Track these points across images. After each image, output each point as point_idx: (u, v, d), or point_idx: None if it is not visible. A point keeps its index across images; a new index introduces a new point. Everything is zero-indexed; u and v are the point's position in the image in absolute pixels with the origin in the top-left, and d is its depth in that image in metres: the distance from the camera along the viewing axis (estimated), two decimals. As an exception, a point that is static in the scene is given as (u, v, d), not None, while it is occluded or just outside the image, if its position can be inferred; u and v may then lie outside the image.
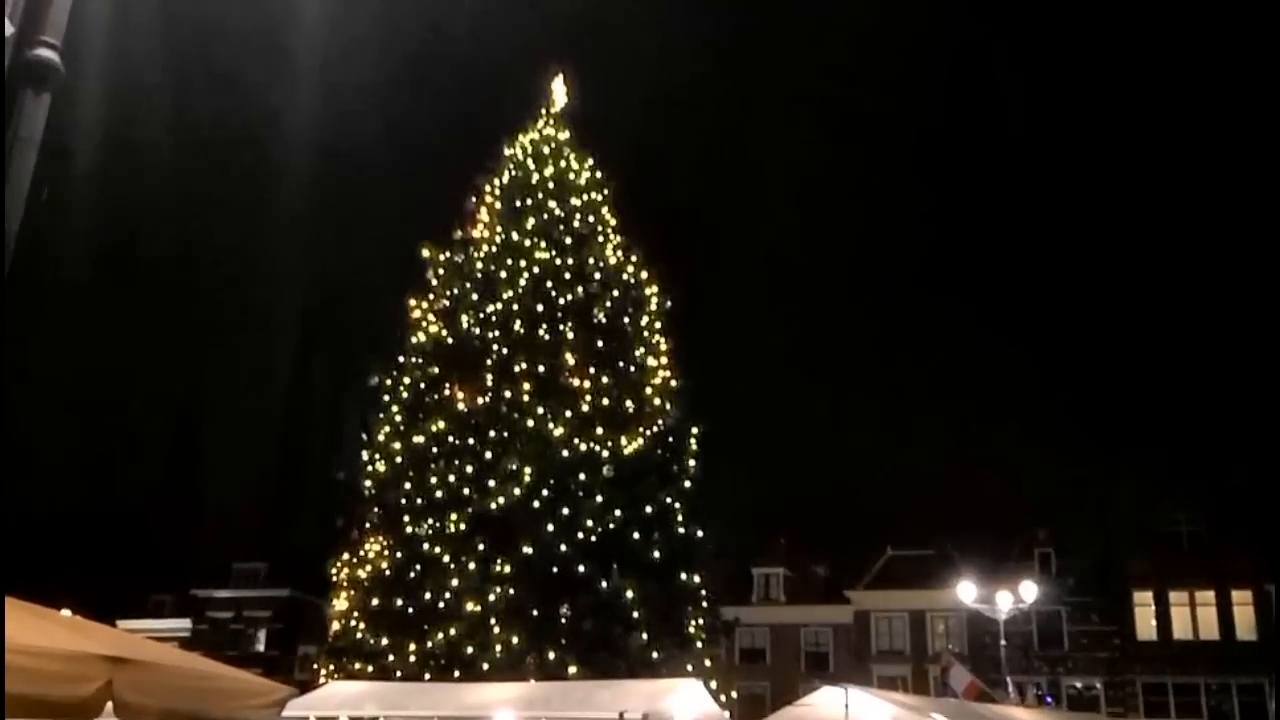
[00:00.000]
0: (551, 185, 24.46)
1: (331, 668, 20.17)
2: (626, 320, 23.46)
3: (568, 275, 23.19)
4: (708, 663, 20.83)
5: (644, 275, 24.35)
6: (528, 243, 23.48)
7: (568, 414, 21.51)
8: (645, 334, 23.66)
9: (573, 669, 18.58)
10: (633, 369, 22.98)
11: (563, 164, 24.97)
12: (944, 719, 11.53)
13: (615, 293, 23.57)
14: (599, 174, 25.32)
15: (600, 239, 24.25)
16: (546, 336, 22.29)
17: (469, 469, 21.13)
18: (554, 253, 23.41)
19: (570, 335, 22.30)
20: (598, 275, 23.54)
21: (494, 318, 22.75)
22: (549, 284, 22.98)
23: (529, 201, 24.15)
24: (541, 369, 21.91)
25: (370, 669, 19.37)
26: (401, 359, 23.25)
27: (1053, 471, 70.71)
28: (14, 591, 7.99)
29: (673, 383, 23.55)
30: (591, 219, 24.48)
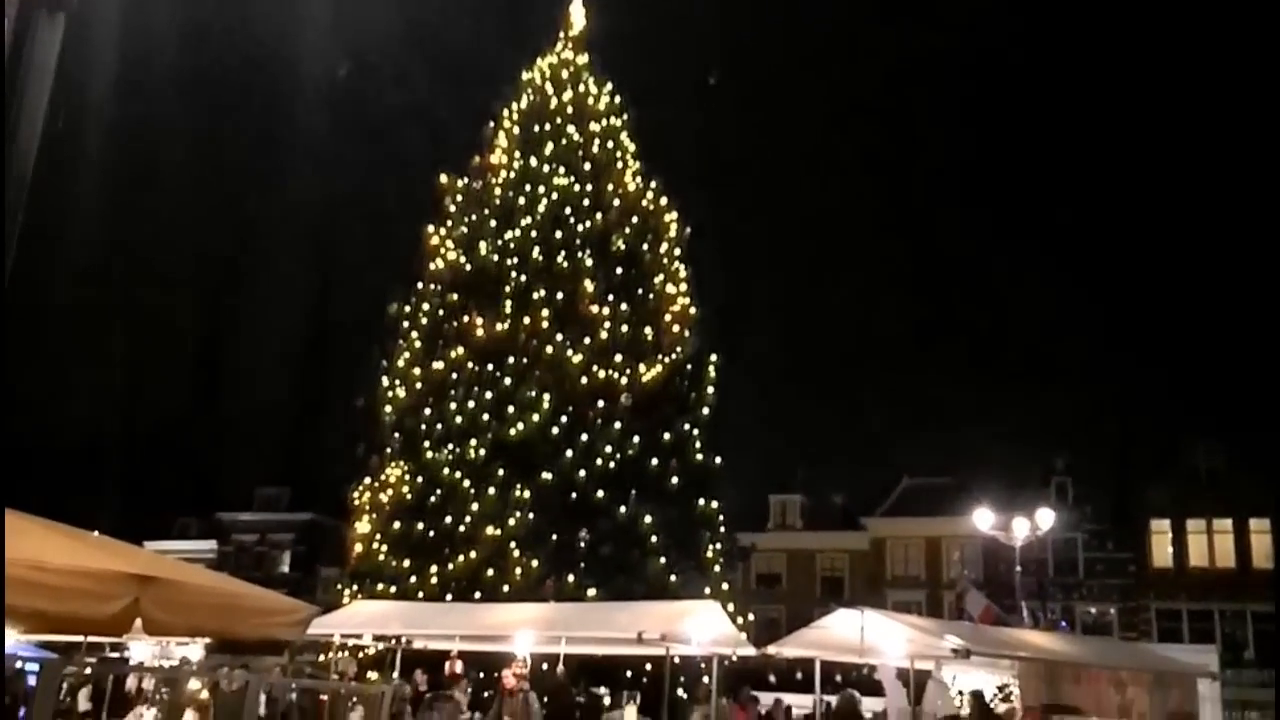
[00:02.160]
0: (570, 111, 24.25)
1: (354, 589, 20.51)
2: (645, 248, 23.37)
3: (586, 203, 23.09)
4: (724, 587, 21.06)
5: (663, 202, 24.19)
6: (546, 169, 23.34)
7: (586, 342, 21.56)
8: (664, 262, 23.58)
9: (591, 593, 18.84)
10: (651, 297, 22.96)
11: (581, 89, 24.72)
12: (959, 641, 11.65)
13: (634, 220, 23.47)
14: (618, 99, 25.06)
15: (619, 166, 24.07)
16: (565, 265, 22.25)
17: (488, 397, 21.25)
18: (572, 180, 23.27)
19: (589, 263, 22.26)
20: (616, 203, 23.42)
21: (512, 245, 22.70)
22: (567, 212, 22.88)
23: (547, 127, 23.97)
24: (560, 297, 21.91)
25: (392, 591, 19.68)
26: (420, 287, 23.28)
27: (1072, 401, 70.52)
28: (44, 514, 8.14)
29: (691, 311, 23.51)
30: (610, 145, 24.29)
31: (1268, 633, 37.51)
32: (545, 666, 16.06)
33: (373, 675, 17.98)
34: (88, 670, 14.10)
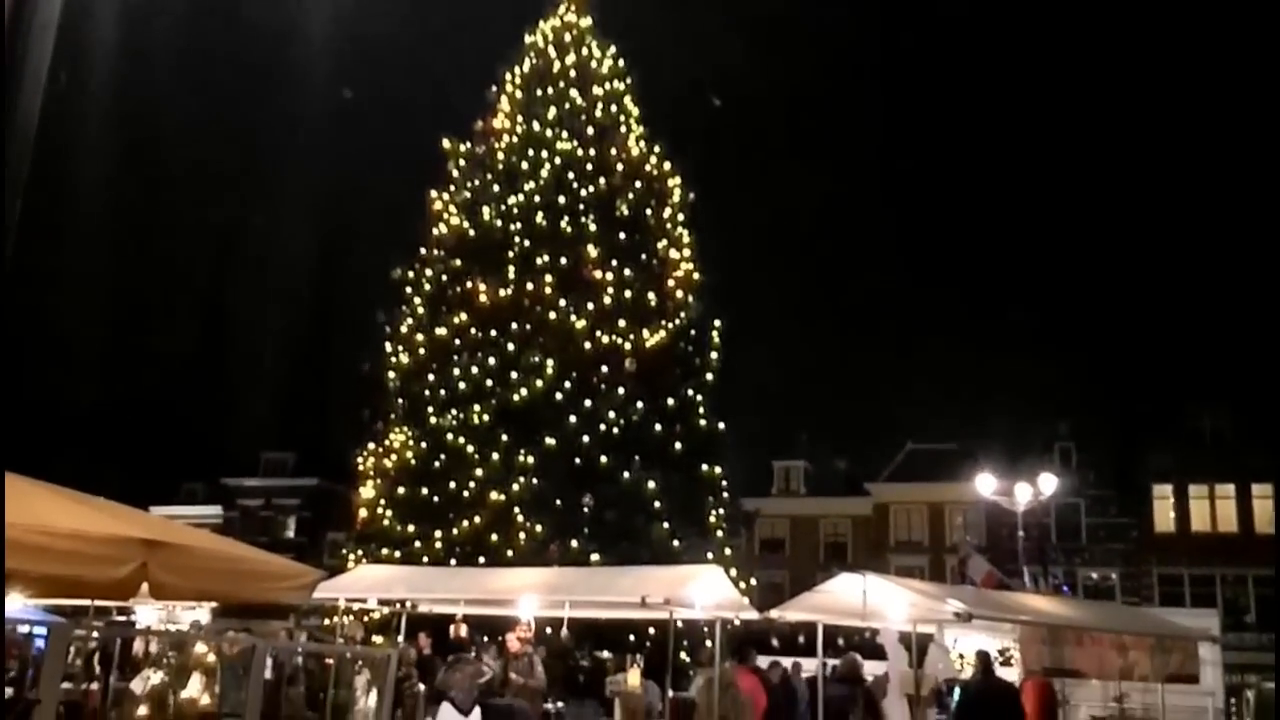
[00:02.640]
0: (573, 74, 24.09)
1: (360, 554, 20.62)
2: (649, 213, 23.29)
3: (589, 167, 22.99)
4: (728, 552, 21.16)
5: (666, 167, 24.07)
6: (549, 133, 23.22)
7: (590, 307, 21.54)
8: (668, 226, 23.50)
9: (595, 557, 18.93)
10: (655, 262, 22.90)
11: (584, 52, 24.54)
12: (961, 605, 11.69)
13: (638, 185, 23.37)
14: (621, 63, 24.89)
15: (623, 130, 23.94)
16: (568, 229, 22.19)
17: (492, 362, 21.27)
18: (575, 144, 23.16)
19: (592, 228, 22.19)
20: (620, 167, 23.32)
21: (515, 210, 22.63)
22: (570, 176, 22.79)
23: (550, 91, 23.82)
24: (564, 262, 21.87)
25: (397, 555, 19.79)
26: (424, 252, 23.24)
27: (1076, 366, 70.47)
28: (49, 480, 8.17)
29: (695, 276, 23.46)
30: (614, 109, 24.14)
31: (1269, 597, 37.67)
32: (549, 630, 16.17)
33: (378, 639, 18.11)
34: (95, 634, 14.19)
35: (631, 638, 17.77)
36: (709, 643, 16.24)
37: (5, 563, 7.21)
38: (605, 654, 16.04)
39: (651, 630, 17.67)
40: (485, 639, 15.70)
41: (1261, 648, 30.21)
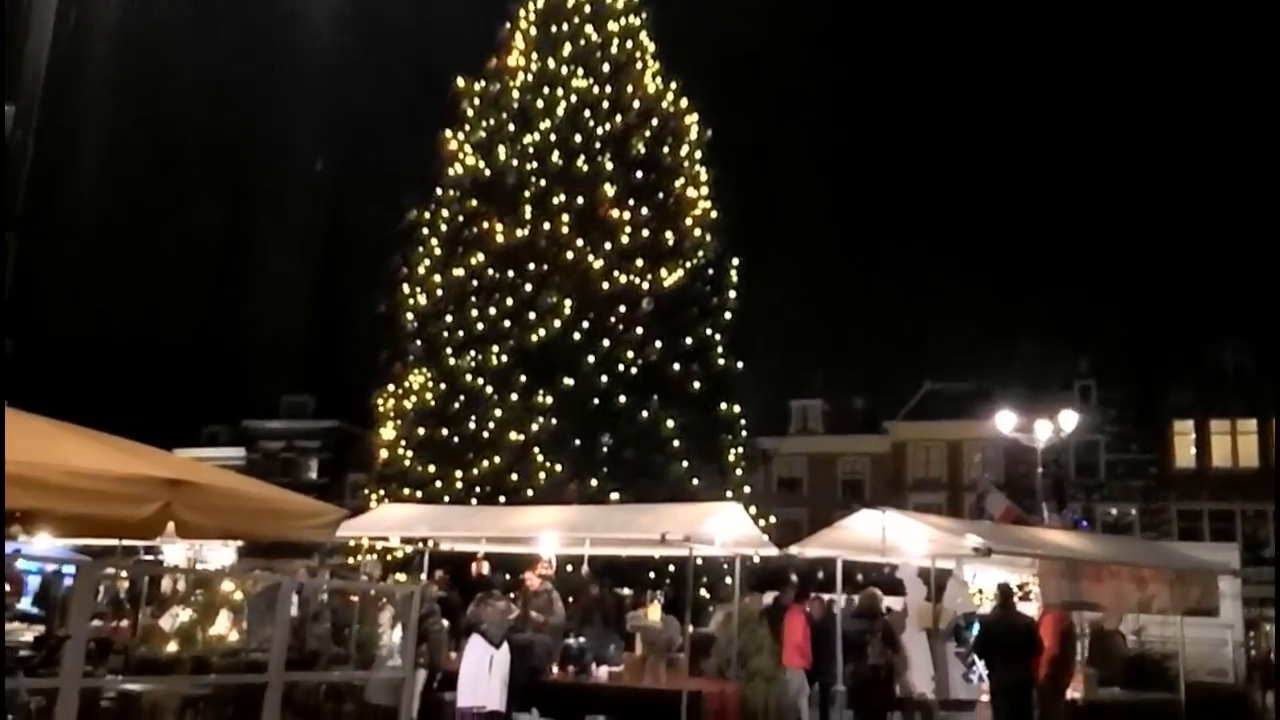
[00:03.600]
0: (587, 10, 23.70)
1: (381, 494, 20.80)
2: (665, 151, 23.04)
3: (605, 105, 22.73)
4: (746, 490, 21.24)
5: (683, 104, 23.77)
6: (564, 71, 22.93)
7: (606, 247, 21.43)
8: (684, 165, 23.25)
9: (614, 496, 19.04)
10: (671, 201, 22.71)
11: (600, -15, 24.09)
12: (979, 540, 11.74)
13: (654, 123, 23.10)
14: (636, -2, 24.44)
15: (638, 67, 23.61)
16: (584, 168, 22.00)
17: (508, 303, 21.24)
18: (591, 81, 22.88)
19: (608, 167, 21.99)
20: (636, 105, 23.04)
21: (530, 150, 22.44)
22: (586, 114, 22.55)
23: (564, 27, 23.46)
24: (579, 201, 21.72)
25: (418, 495, 19.95)
26: (439, 193, 23.11)
27: (1097, 302, 70.01)
28: (73, 422, 8.23)
29: (712, 214, 23.27)
30: (629, 45, 23.78)
31: (1289, 531, 37.63)
32: (569, 568, 16.32)
33: (400, 577, 18.34)
34: (123, 573, 14.41)
35: (651, 575, 17.92)
36: (728, 579, 16.40)
37: (31, 502, 7.30)
38: (625, 590, 16.18)
39: (671, 567, 17.82)
40: (507, 576, 15.88)
41: (1281, 582, 30.24)
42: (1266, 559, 34.87)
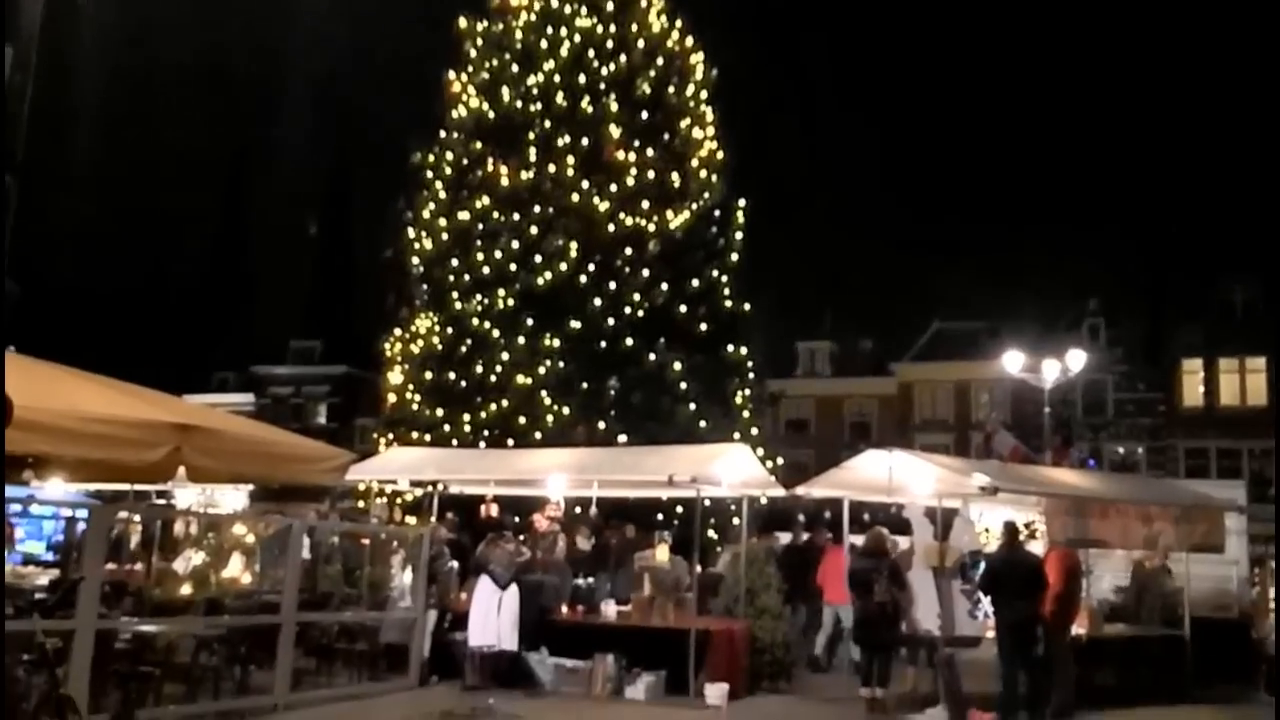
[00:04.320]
0: (592, -56, 23.27)
1: (389, 438, 20.89)
2: (671, 91, 22.77)
3: (609, 44, 22.42)
4: (753, 432, 21.29)
5: (688, 43, 23.45)
6: (567, 9, 22.61)
7: (612, 189, 21.27)
8: (690, 105, 22.99)
9: (621, 438, 19.10)
10: (678, 142, 22.49)
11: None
12: (986, 479, 11.77)
13: (659, 62, 22.80)
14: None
15: (643, 4, 23.26)
16: (589, 110, 21.78)
17: (514, 246, 21.16)
18: (595, 20, 22.56)
19: (613, 108, 21.76)
20: (641, 44, 22.73)
21: (535, 91, 22.21)
22: (590, 54, 22.26)
23: (568, -36, 23.07)
24: (585, 143, 21.53)
25: (426, 439, 20.04)
26: (443, 135, 22.93)
27: (1107, 242, 69.58)
28: (82, 368, 8.26)
29: (719, 156, 23.06)
30: (633, -18, 23.37)
31: (1297, 470, 37.66)
32: (578, 509, 16.43)
33: (410, 520, 18.48)
34: (136, 517, 14.56)
35: (659, 516, 18.04)
36: (736, 520, 16.50)
37: (42, 447, 7.35)
38: (633, 533, 16.29)
39: (679, 509, 17.93)
40: (515, 519, 16.01)
41: (1287, 519, 30.33)
42: (1273, 497, 34.95)
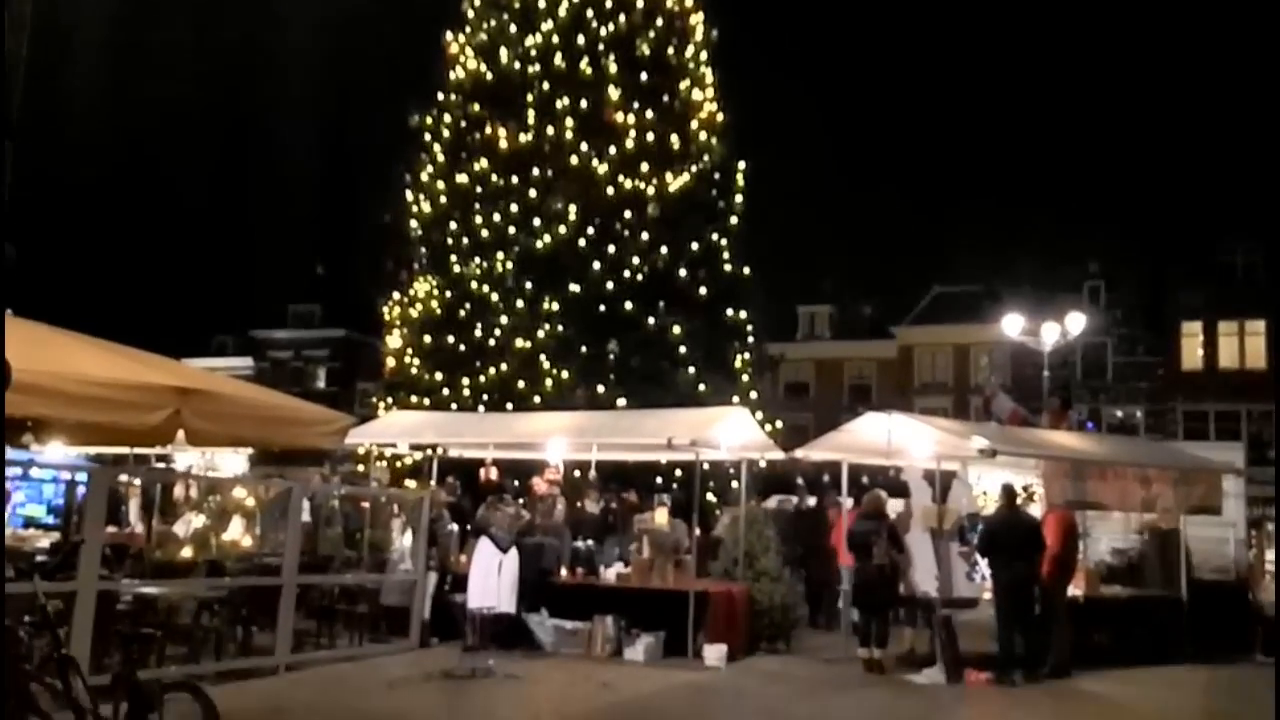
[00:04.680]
0: (589, -98, 22.99)
1: (389, 402, 20.91)
2: (671, 52, 22.57)
3: (608, 4, 22.20)
4: (753, 396, 21.30)
5: (689, 3, 23.22)
6: (566, -33, 22.37)
7: (612, 151, 21.15)
8: (690, 67, 22.80)
9: (621, 402, 19.12)
10: (678, 104, 22.32)
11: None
12: (985, 441, 11.78)
13: (659, 22, 22.58)
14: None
15: (642, -36, 22.97)
16: (588, 71, 21.61)
17: (513, 209, 21.07)
18: (594, -21, 22.32)
19: (613, 69, 21.59)
20: (640, 4, 22.50)
21: (533, 52, 22.03)
22: (590, 14, 22.05)
23: (566, -79, 22.79)
24: (584, 105, 21.38)
25: (426, 403, 20.06)
26: (441, 98, 22.78)
27: (1108, 205, 69.29)
28: (80, 331, 8.24)
29: (719, 118, 22.91)
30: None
31: (1298, 432, 37.72)
32: (577, 473, 16.47)
33: (410, 483, 18.53)
34: (136, 480, 14.59)
35: (658, 479, 18.10)
36: (735, 483, 16.55)
37: (42, 410, 7.34)
38: (632, 495, 16.35)
39: (678, 472, 17.98)
40: (515, 482, 16.06)
41: (1285, 481, 30.42)
42: (1271, 459, 35.04)
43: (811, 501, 17.83)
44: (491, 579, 11.95)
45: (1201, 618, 13.72)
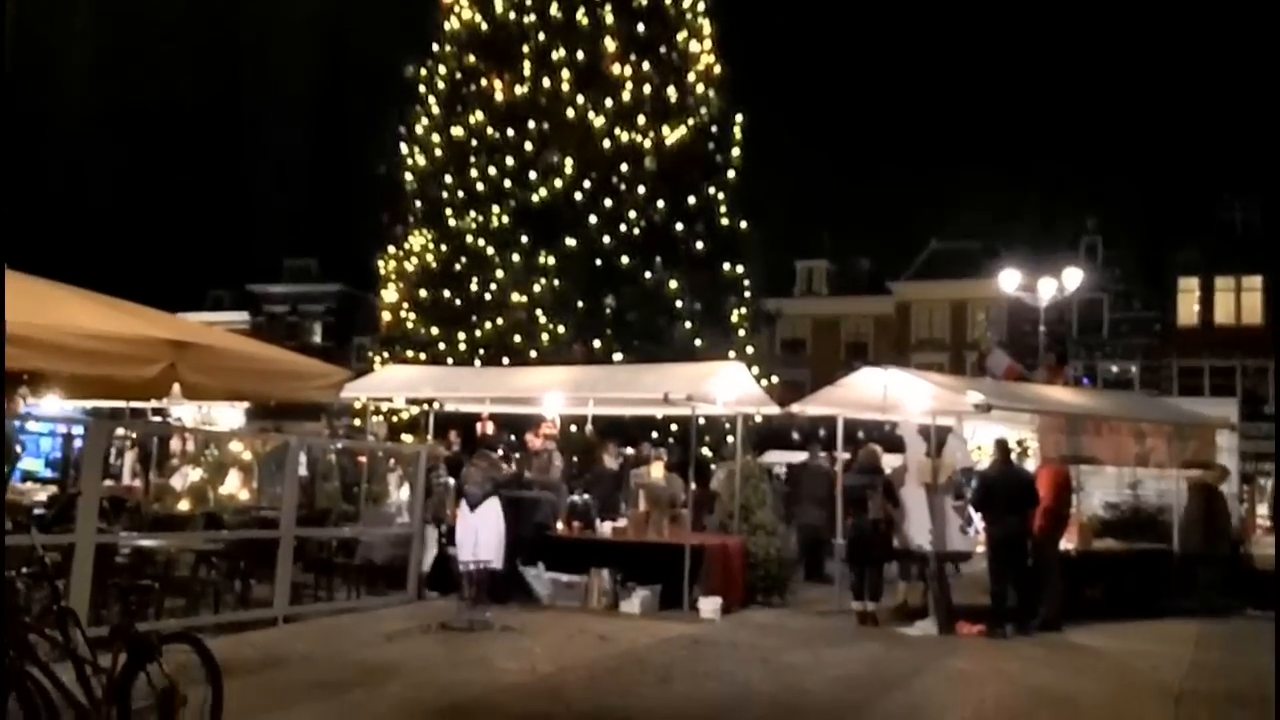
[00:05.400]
0: None
1: (385, 356, 20.90)
2: (668, 3, 22.28)
3: (605, -48, 21.89)
4: (749, 351, 21.28)
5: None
6: (563, -85, 22.03)
7: (608, 104, 20.96)
8: (688, 18, 22.53)
9: (618, 356, 19.11)
10: (675, 55, 22.08)
11: None
12: (980, 396, 11.81)
13: (656, -28, 22.26)
14: None
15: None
16: (585, 21, 21.36)
17: (509, 162, 20.92)
18: (589, -72, 22.00)
19: (609, 20, 21.33)
20: (637, -49, 22.18)
21: (529, 1, 21.75)
22: (585, -37, 21.74)
23: None
24: (580, 57, 21.16)
25: (422, 357, 20.05)
26: (436, 49, 22.53)
27: (1106, 160, 68.95)
28: (75, 285, 8.20)
29: (717, 70, 22.68)
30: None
31: (1292, 387, 37.95)
32: (574, 428, 16.50)
33: (407, 438, 18.57)
34: (132, 433, 14.61)
35: (654, 434, 18.14)
36: (731, 438, 16.59)
37: (38, 363, 7.33)
38: (629, 449, 16.40)
39: (674, 427, 18.02)
40: (512, 437, 16.08)
41: (1277, 437, 30.62)
42: (1266, 415, 35.24)
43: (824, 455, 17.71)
44: (469, 535, 11.99)
45: (1193, 572, 13.84)
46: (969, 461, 13.54)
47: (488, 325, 20.14)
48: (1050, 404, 13.59)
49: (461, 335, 20.22)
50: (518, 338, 19.72)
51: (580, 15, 21.35)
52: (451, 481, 13.51)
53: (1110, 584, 13.45)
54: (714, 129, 22.23)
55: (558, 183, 20.45)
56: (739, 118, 22.60)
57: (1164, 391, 37.55)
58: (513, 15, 21.79)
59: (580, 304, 20.17)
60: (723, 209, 21.97)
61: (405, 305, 21.37)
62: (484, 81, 21.72)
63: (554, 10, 21.46)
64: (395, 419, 20.05)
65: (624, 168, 20.80)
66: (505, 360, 19.03)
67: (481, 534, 11.58)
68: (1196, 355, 40.70)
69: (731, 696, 7.89)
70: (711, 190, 21.82)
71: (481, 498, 11.95)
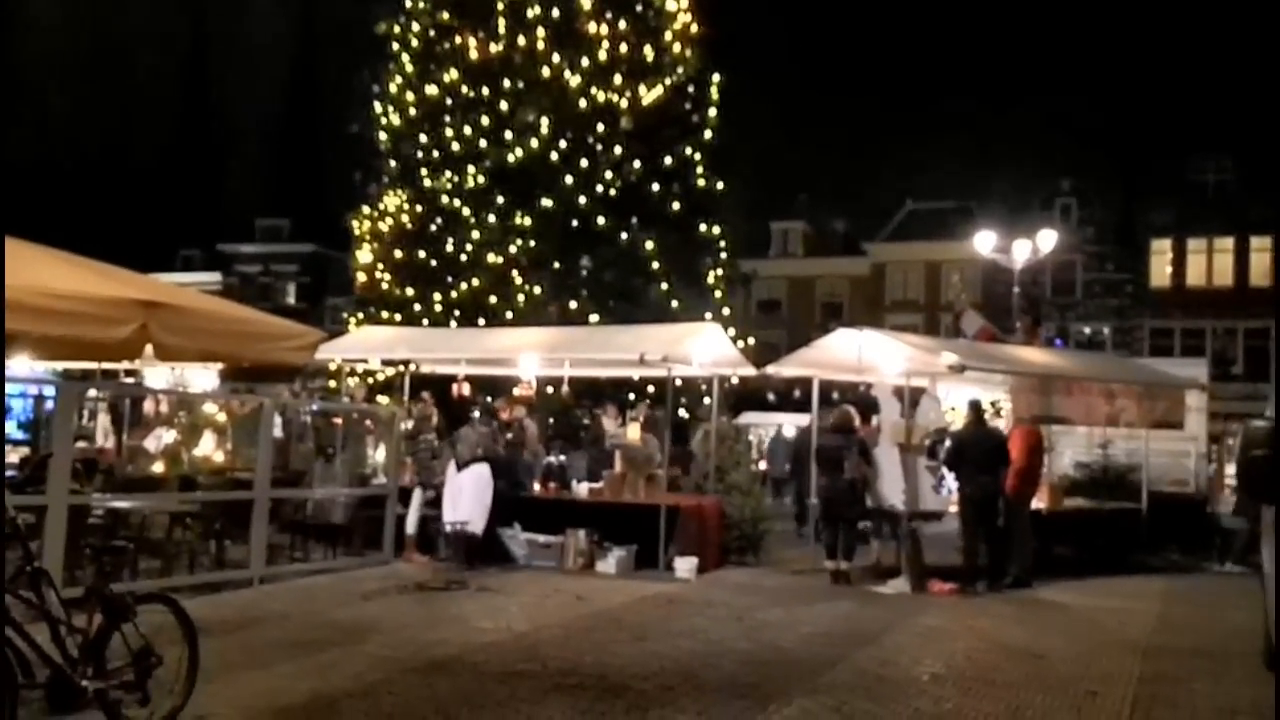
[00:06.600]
0: None
1: (360, 317, 20.78)
2: (646, -41, 22.03)
3: (581, -94, 21.60)
4: (725, 312, 21.27)
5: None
6: None
7: (584, 62, 20.77)
8: (665, -25, 22.27)
9: (593, 317, 19.08)
10: (651, 14, 21.85)
11: None
12: (954, 358, 11.89)
13: (632, -72, 21.99)
14: None
15: None
16: (561, -23, 21.09)
17: (484, 121, 20.72)
18: (565, -119, 21.68)
19: (585, -25, 21.06)
20: (613, -91, 21.90)
21: (503, -43, 21.44)
22: (561, -83, 21.44)
23: None
24: (556, 14, 20.92)
25: (397, 318, 19.94)
26: (409, 5, 22.21)
27: (1080, 122, 69.07)
28: (43, 244, 8.10)
29: (694, 29, 22.48)
30: None
31: (1258, 349, 38.47)
32: (550, 389, 16.50)
33: (382, 399, 18.51)
34: (105, 395, 14.50)
35: (631, 396, 18.16)
36: (707, 400, 16.64)
37: (8, 324, 7.24)
38: (606, 411, 16.41)
39: (650, 388, 18.04)
40: (489, 399, 16.06)
41: (1246, 397, 31.06)
42: (1234, 375, 35.68)
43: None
44: (454, 496, 12.04)
45: (1161, 530, 14.07)
46: (942, 422, 13.66)
47: (463, 286, 20.03)
48: (1023, 365, 13.70)
49: (437, 296, 20.11)
50: (493, 298, 19.62)
51: (555, -29, 21.07)
52: (436, 441, 13.40)
53: (1080, 542, 13.65)
54: (690, 89, 22.05)
55: (533, 142, 20.27)
56: (715, 78, 22.43)
57: (1135, 352, 37.97)
58: (486, -30, 21.47)
59: (556, 264, 20.10)
60: (699, 169, 21.86)
61: (380, 266, 21.21)
62: (458, 39, 21.44)
63: (529, -35, 21.17)
64: (370, 381, 19.97)
65: (600, 127, 20.64)
66: (481, 321, 18.96)
67: (464, 495, 11.61)
68: (1168, 316, 41.09)
69: (706, 654, 7.97)
70: (688, 150, 21.68)
71: (469, 460, 11.99)
